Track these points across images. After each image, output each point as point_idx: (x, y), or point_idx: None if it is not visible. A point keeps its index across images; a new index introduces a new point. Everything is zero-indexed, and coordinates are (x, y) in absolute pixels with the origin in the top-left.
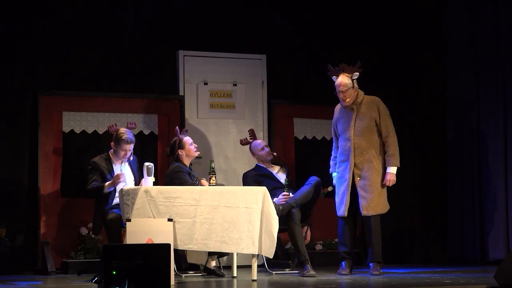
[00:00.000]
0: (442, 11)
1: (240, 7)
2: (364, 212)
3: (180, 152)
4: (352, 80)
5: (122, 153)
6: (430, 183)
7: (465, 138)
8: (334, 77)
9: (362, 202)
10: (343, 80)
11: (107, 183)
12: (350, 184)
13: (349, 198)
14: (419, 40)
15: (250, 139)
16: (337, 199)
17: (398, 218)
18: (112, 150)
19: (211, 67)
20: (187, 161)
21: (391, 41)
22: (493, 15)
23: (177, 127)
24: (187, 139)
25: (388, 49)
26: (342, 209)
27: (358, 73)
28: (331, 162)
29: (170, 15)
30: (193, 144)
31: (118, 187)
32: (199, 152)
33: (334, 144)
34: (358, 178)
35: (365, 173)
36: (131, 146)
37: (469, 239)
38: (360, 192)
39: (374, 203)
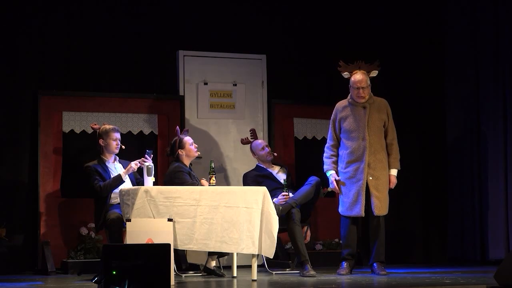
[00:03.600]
0: (443, 11)
1: (240, 8)
2: (377, 211)
3: (180, 152)
4: (369, 78)
5: (114, 143)
6: (430, 183)
7: (465, 138)
8: (345, 73)
9: (375, 202)
10: (364, 77)
11: (123, 171)
12: (365, 184)
13: (364, 198)
14: (419, 40)
15: (251, 138)
16: (346, 199)
17: (398, 218)
18: (101, 149)
19: (211, 67)
20: (187, 161)
21: (391, 41)
22: (493, 14)
23: (177, 126)
24: (188, 139)
25: (388, 49)
26: (357, 209)
27: (377, 72)
28: (328, 160)
29: (170, 15)
30: (194, 144)
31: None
32: (199, 152)
33: (331, 142)
34: (370, 178)
35: (378, 173)
36: (119, 135)
37: (469, 239)
38: (374, 192)
39: (385, 203)
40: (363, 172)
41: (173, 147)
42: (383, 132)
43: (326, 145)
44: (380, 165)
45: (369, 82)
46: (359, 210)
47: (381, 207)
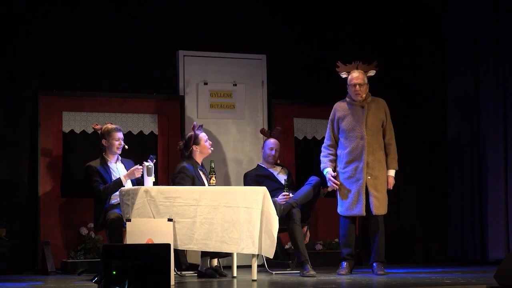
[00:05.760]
0: (443, 10)
1: (240, 7)
2: (376, 211)
3: (194, 148)
4: (367, 77)
5: (116, 143)
6: (430, 183)
7: (465, 137)
8: (343, 74)
9: (374, 202)
10: (360, 74)
11: (124, 175)
12: (365, 183)
13: (365, 197)
14: (419, 39)
15: (271, 134)
16: (346, 199)
17: (398, 218)
18: (104, 149)
19: (211, 67)
20: (199, 158)
21: (391, 41)
22: (493, 14)
23: (194, 122)
24: (203, 135)
25: (388, 49)
26: (358, 209)
27: (374, 72)
28: (325, 159)
29: (170, 15)
30: (208, 141)
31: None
32: (212, 149)
33: (328, 142)
34: (369, 177)
35: (376, 172)
36: (122, 135)
37: (469, 239)
38: (372, 191)
39: (384, 203)
40: (362, 171)
41: (187, 142)
42: (381, 132)
43: (323, 145)
44: (379, 165)
45: (366, 80)
46: (360, 210)
47: (379, 206)
